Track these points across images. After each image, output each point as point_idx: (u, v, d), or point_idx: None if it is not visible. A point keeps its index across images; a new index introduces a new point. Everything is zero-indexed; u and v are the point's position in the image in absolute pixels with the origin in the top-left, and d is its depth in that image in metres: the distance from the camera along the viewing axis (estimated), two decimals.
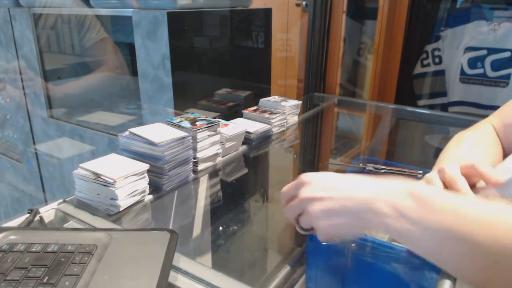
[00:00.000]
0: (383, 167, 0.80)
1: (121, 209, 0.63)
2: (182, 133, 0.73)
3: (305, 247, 0.63)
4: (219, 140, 0.83)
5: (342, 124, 1.40)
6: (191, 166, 0.77)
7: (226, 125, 0.91)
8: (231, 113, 1.29)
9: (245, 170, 0.90)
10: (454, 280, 0.46)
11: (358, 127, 1.41)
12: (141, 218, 0.65)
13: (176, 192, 0.73)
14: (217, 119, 0.83)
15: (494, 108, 1.44)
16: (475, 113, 1.48)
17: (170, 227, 0.53)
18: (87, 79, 1.59)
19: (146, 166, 0.67)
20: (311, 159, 1.08)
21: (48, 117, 1.56)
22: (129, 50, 1.53)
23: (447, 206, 0.40)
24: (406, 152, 1.16)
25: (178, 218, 0.71)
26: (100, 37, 1.47)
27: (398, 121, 1.31)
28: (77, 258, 0.44)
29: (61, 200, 0.66)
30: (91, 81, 1.59)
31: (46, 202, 0.64)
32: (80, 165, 0.66)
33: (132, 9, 1.14)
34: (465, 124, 1.19)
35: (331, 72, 1.49)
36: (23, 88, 1.59)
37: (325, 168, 1.00)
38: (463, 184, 0.49)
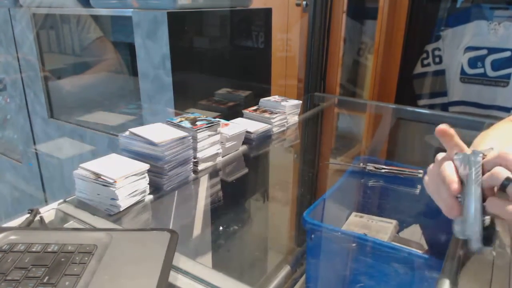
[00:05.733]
0: (383, 167, 0.81)
1: (121, 209, 0.63)
2: (182, 133, 0.73)
3: (305, 247, 0.63)
4: (219, 140, 0.83)
5: (342, 124, 1.40)
6: (191, 166, 0.77)
7: (226, 125, 0.91)
8: (231, 113, 1.29)
9: (245, 170, 0.90)
10: (454, 280, 0.46)
11: (358, 127, 1.41)
12: (141, 218, 0.65)
13: (176, 192, 0.73)
14: (217, 119, 0.83)
15: (495, 108, 1.45)
16: (476, 113, 1.48)
17: (170, 227, 0.53)
18: (87, 77, 1.59)
19: (146, 166, 0.67)
20: (311, 159, 1.08)
21: (48, 117, 1.56)
22: (129, 50, 1.53)
23: None
24: (406, 152, 1.16)
25: (178, 218, 0.71)
26: (96, 36, 1.47)
27: (398, 121, 1.31)
28: (77, 258, 0.44)
29: (61, 200, 0.66)
30: (91, 79, 1.59)
31: (46, 202, 0.64)
32: (80, 165, 0.66)
33: (132, 9, 1.14)
34: (466, 124, 1.20)
35: (331, 72, 1.49)
36: (23, 88, 1.59)
37: (325, 168, 1.00)
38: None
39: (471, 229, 0.38)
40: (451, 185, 0.42)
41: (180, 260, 0.50)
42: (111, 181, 0.61)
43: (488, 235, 0.39)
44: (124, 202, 0.63)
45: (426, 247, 0.66)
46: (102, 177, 0.63)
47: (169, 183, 0.72)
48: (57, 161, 1.60)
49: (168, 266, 0.44)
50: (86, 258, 0.44)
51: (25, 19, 1.44)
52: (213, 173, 0.82)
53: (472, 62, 1.47)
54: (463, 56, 1.48)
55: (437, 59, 1.54)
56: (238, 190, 0.85)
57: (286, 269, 0.65)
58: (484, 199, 0.40)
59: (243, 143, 0.93)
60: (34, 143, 1.68)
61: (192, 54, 1.19)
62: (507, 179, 0.38)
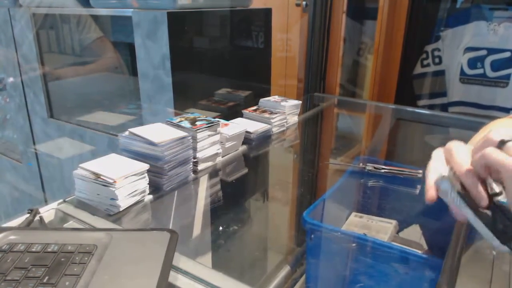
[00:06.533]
0: (383, 167, 0.81)
1: (121, 209, 0.63)
2: (182, 133, 0.73)
3: (305, 247, 0.63)
4: (219, 140, 0.83)
5: (342, 124, 1.40)
6: (191, 166, 0.77)
7: (226, 125, 0.91)
8: (231, 113, 1.29)
9: (245, 170, 0.90)
10: (454, 280, 0.46)
11: (358, 127, 1.41)
12: (141, 218, 0.65)
13: (176, 192, 0.73)
14: (217, 119, 0.83)
15: (494, 108, 1.45)
16: (475, 113, 1.48)
17: (170, 227, 0.53)
18: (87, 72, 1.60)
19: (146, 166, 0.67)
20: (311, 159, 1.08)
21: (47, 117, 1.56)
22: (129, 50, 1.53)
23: None
24: (406, 152, 1.16)
25: (178, 218, 0.71)
26: (97, 36, 1.48)
27: (398, 121, 1.31)
28: (77, 258, 0.44)
29: (61, 200, 0.66)
30: (90, 75, 1.59)
31: (46, 202, 0.64)
32: (80, 165, 0.66)
33: (132, 9, 1.14)
34: (465, 124, 1.20)
35: (331, 72, 1.49)
36: (23, 88, 1.59)
37: (325, 168, 1.00)
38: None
39: (483, 233, 0.39)
40: (427, 193, 0.46)
41: (180, 260, 0.50)
42: (111, 181, 0.61)
43: (503, 231, 0.38)
44: (123, 202, 0.63)
45: (426, 247, 0.66)
46: (102, 177, 0.63)
47: (169, 183, 0.72)
48: (57, 161, 1.60)
49: (168, 266, 0.44)
50: (86, 258, 0.44)
51: (24, 18, 1.44)
52: (213, 173, 0.82)
53: (472, 63, 1.47)
54: (463, 57, 1.48)
55: (436, 60, 1.54)
56: (238, 190, 0.85)
57: (286, 269, 0.65)
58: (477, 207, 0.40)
59: (243, 143, 0.93)
60: (34, 143, 1.68)
61: (192, 54, 1.19)
62: (501, 142, 0.38)
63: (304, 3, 1.67)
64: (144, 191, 0.67)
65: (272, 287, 0.61)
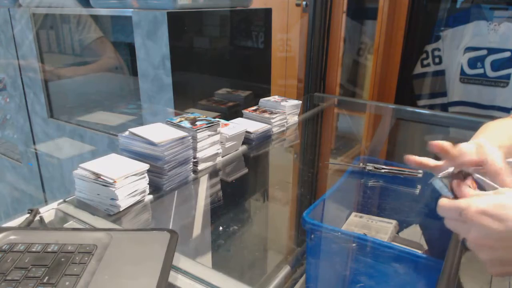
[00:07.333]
0: (383, 167, 0.81)
1: (121, 209, 0.63)
2: (182, 133, 0.73)
3: (305, 247, 0.63)
4: (219, 140, 0.83)
5: (342, 124, 1.40)
6: (191, 166, 0.77)
7: (226, 125, 0.91)
8: (231, 113, 1.29)
9: (245, 170, 0.90)
10: (454, 279, 0.46)
11: (358, 127, 1.41)
12: (141, 218, 0.65)
13: (176, 192, 0.73)
14: (217, 119, 0.83)
15: (494, 108, 1.45)
16: (475, 113, 1.48)
17: (170, 227, 0.53)
18: (87, 71, 1.60)
19: (146, 166, 0.67)
20: (311, 159, 1.08)
21: (48, 117, 1.56)
22: (129, 50, 1.53)
23: None
24: (406, 152, 1.16)
25: (178, 218, 0.71)
26: (97, 36, 1.48)
27: (398, 121, 1.31)
28: (77, 258, 0.44)
29: (61, 200, 0.66)
30: (90, 74, 1.60)
31: (46, 202, 0.64)
32: (80, 165, 0.66)
33: (132, 9, 1.14)
34: (465, 124, 1.20)
35: (331, 72, 1.49)
36: (23, 88, 1.59)
37: (325, 168, 1.00)
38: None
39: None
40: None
41: (180, 260, 0.50)
42: (111, 181, 0.61)
43: None
44: (124, 202, 0.63)
45: (426, 247, 0.66)
46: (102, 177, 0.62)
47: (169, 183, 0.72)
48: (57, 161, 1.60)
49: (168, 266, 0.44)
50: (86, 258, 0.44)
51: (24, 18, 1.44)
52: (213, 173, 0.82)
53: (472, 63, 1.47)
54: (463, 57, 1.48)
55: (436, 60, 1.54)
56: (238, 190, 0.85)
57: (286, 269, 0.65)
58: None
59: (243, 143, 0.93)
60: (34, 143, 1.68)
61: (192, 54, 1.19)
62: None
63: (304, 3, 1.67)
64: (144, 191, 0.67)
65: (272, 287, 0.61)
